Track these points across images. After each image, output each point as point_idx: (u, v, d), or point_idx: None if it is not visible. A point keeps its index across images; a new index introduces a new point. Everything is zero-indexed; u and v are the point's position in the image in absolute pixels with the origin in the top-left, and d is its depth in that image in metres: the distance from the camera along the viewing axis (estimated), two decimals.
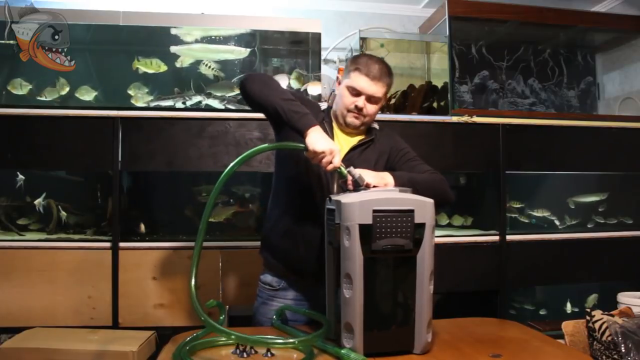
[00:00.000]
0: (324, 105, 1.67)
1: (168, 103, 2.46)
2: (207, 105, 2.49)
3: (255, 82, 1.44)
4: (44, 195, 2.39)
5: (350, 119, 1.54)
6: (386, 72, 1.54)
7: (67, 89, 2.42)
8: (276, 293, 1.58)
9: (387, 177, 1.42)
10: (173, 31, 2.50)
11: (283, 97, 1.38)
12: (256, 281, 1.66)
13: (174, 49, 2.49)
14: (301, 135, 1.34)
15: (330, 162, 1.32)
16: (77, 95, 2.44)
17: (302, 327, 1.47)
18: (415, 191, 1.31)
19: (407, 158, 1.60)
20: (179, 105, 2.46)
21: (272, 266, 1.61)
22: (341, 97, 1.55)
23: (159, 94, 2.49)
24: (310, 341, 1.20)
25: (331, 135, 1.55)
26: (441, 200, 1.46)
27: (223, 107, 2.49)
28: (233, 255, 2.25)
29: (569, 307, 2.80)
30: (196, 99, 2.49)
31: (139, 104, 2.44)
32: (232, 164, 1.34)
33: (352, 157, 1.53)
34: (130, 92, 2.45)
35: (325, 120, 1.57)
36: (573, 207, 2.85)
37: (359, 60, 1.55)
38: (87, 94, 2.44)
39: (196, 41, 2.52)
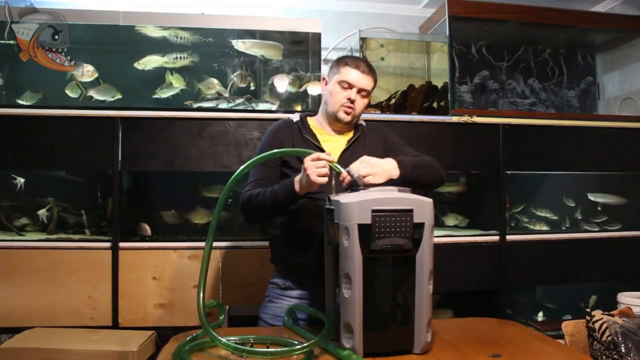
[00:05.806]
0: (295, 117, 1.69)
1: (210, 104, 2.47)
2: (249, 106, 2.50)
3: (247, 210, 1.56)
4: (48, 206, 2.39)
5: (342, 114, 1.61)
6: (372, 68, 1.64)
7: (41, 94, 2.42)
8: (282, 292, 1.64)
9: (390, 162, 1.45)
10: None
11: (265, 201, 1.48)
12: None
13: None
14: (296, 195, 1.43)
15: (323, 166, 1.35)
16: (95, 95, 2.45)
17: (307, 327, 1.47)
18: (418, 171, 1.47)
19: (397, 146, 1.68)
20: (222, 106, 2.45)
21: (278, 268, 1.69)
22: (331, 94, 1.62)
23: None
24: (309, 347, 1.19)
25: (315, 140, 1.62)
26: (439, 178, 1.59)
27: (274, 109, 2.50)
28: (233, 255, 2.24)
29: (540, 316, 2.79)
30: (238, 100, 2.50)
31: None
32: (241, 168, 1.33)
33: (345, 157, 1.56)
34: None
35: (303, 131, 1.63)
36: (573, 204, 2.85)
37: (345, 58, 1.64)
38: (109, 94, 2.45)
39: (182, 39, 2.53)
